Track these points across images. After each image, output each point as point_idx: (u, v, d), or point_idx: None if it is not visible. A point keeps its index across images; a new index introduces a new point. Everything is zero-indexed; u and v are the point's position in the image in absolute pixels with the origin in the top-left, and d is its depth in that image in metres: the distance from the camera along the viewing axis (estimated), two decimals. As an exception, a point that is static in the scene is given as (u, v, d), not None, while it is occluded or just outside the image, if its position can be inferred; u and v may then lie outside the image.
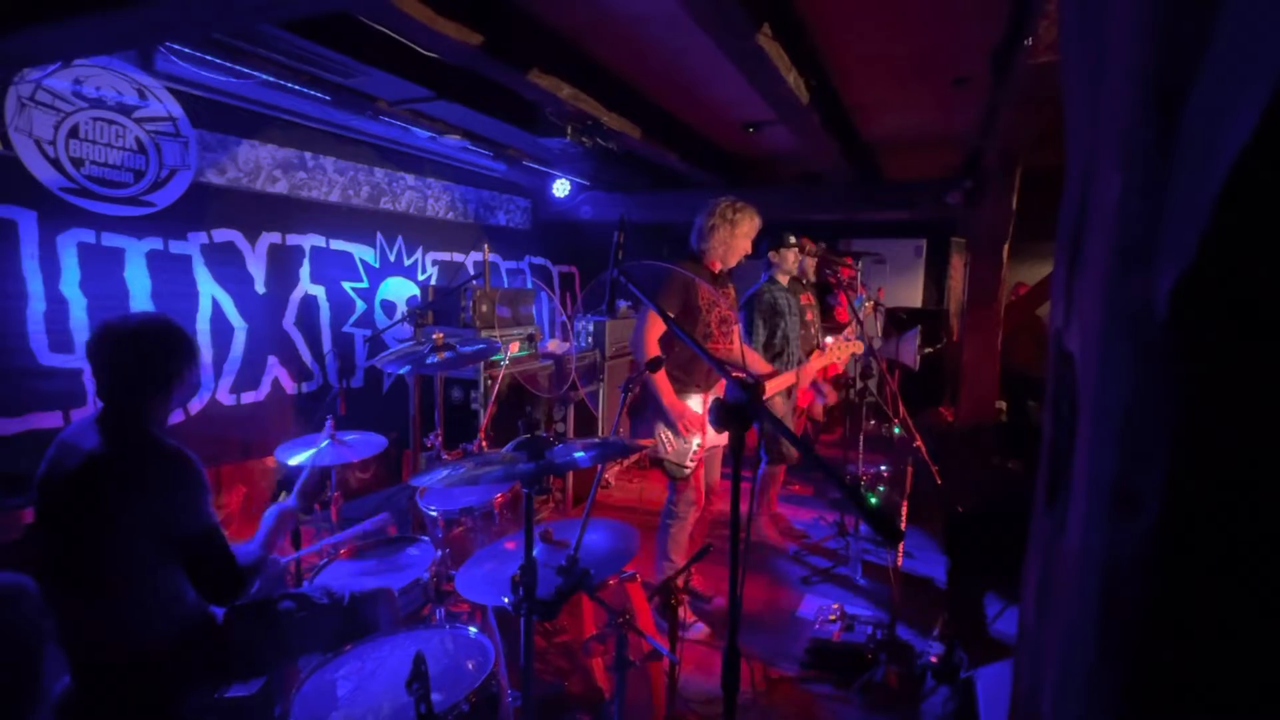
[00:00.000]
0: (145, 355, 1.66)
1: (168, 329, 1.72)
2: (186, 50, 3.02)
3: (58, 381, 3.12)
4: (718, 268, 2.96)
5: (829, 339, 3.16)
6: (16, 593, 2.04)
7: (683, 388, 2.81)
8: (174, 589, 1.71)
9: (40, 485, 1.66)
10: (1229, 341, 0.63)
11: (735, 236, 2.89)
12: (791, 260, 3.78)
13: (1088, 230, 0.83)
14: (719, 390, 2.87)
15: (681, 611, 2.93)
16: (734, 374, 1.17)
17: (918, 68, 3.33)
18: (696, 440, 2.81)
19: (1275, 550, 0.65)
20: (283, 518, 1.98)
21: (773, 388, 3.05)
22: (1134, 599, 0.71)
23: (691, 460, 2.84)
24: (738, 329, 2.96)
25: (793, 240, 3.79)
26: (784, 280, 3.84)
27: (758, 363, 3.15)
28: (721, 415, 1.10)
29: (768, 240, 3.82)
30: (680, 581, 1.77)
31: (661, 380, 2.70)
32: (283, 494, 2.14)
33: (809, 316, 4.02)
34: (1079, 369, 0.83)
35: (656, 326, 2.68)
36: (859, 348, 3.19)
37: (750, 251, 3.00)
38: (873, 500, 4.41)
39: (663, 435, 2.82)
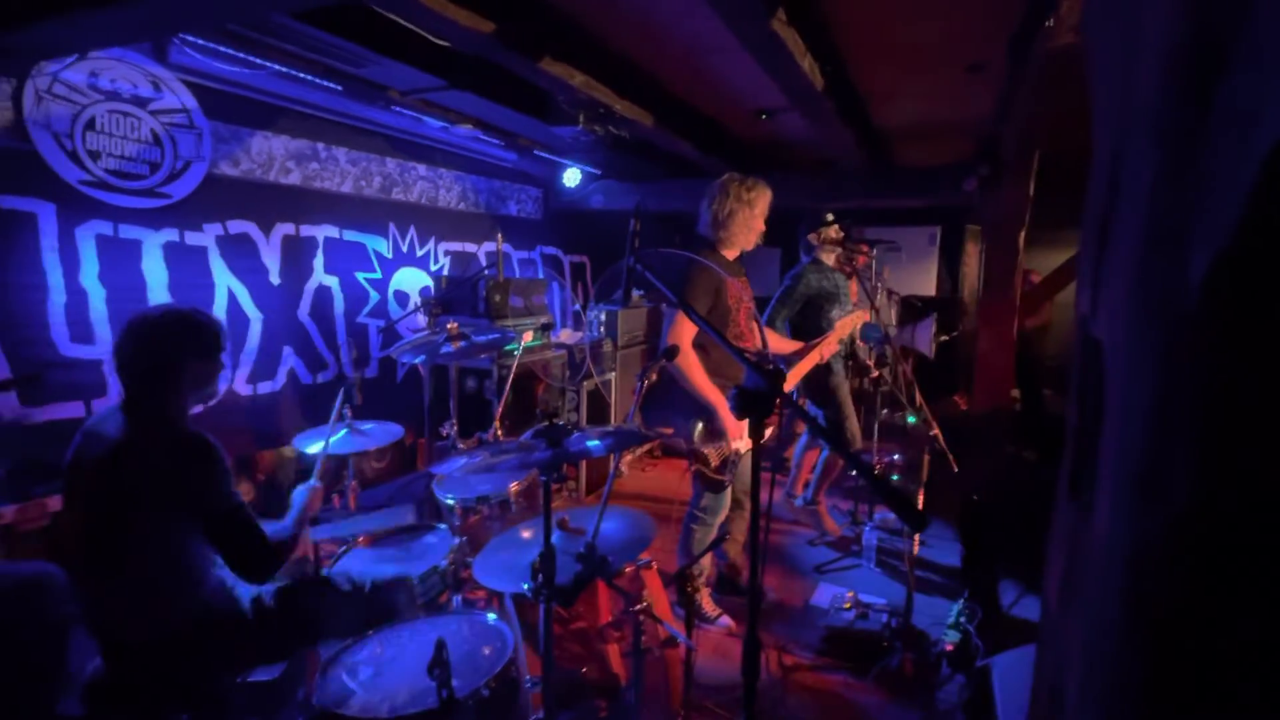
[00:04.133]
0: (149, 345, 1.71)
1: (174, 320, 1.74)
2: (200, 42, 3.03)
3: (79, 372, 3.17)
4: (734, 255, 2.78)
5: (834, 314, 3.11)
6: (45, 581, 2.09)
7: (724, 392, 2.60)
8: (198, 572, 1.74)
9: (68, 471, 1.70)
10: (1265, 328, 0.61)
11: (754, 218, 2.67)
12: (833, 236, 3.69)
13: (1117, 214, 0.82)
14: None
15: (706, 604, 2.95)
16: (758, 362, 1.16)
17: (933, 53, 3.28)
18: (739, 447, 2.67)
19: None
20: (312, 496, 2.02)
21: (799, 371, 2.94)
22: (1162, 591, 0.71)
23: (733, 471, 2.71)
24: (756, 321, 2.84)
25: (830, 218, 3.73)
26: (829, 260, 3.77)
27: (781, 345, 3.06)
28: (742, 403, 1.10)
29: (805, 223, 3.79)
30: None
31: (696, 372, 2.52)
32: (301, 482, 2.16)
33: (854, 301, 3.92)
34: (1107, 356, 0.82)
35: (688, 327, 2.52)
36: (864, 316, 3.15)
37: (764, 230, 2.78)
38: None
39: (708, 449, 2.65)
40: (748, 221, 2.67)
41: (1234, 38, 0.62)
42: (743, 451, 2.69)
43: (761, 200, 2.68)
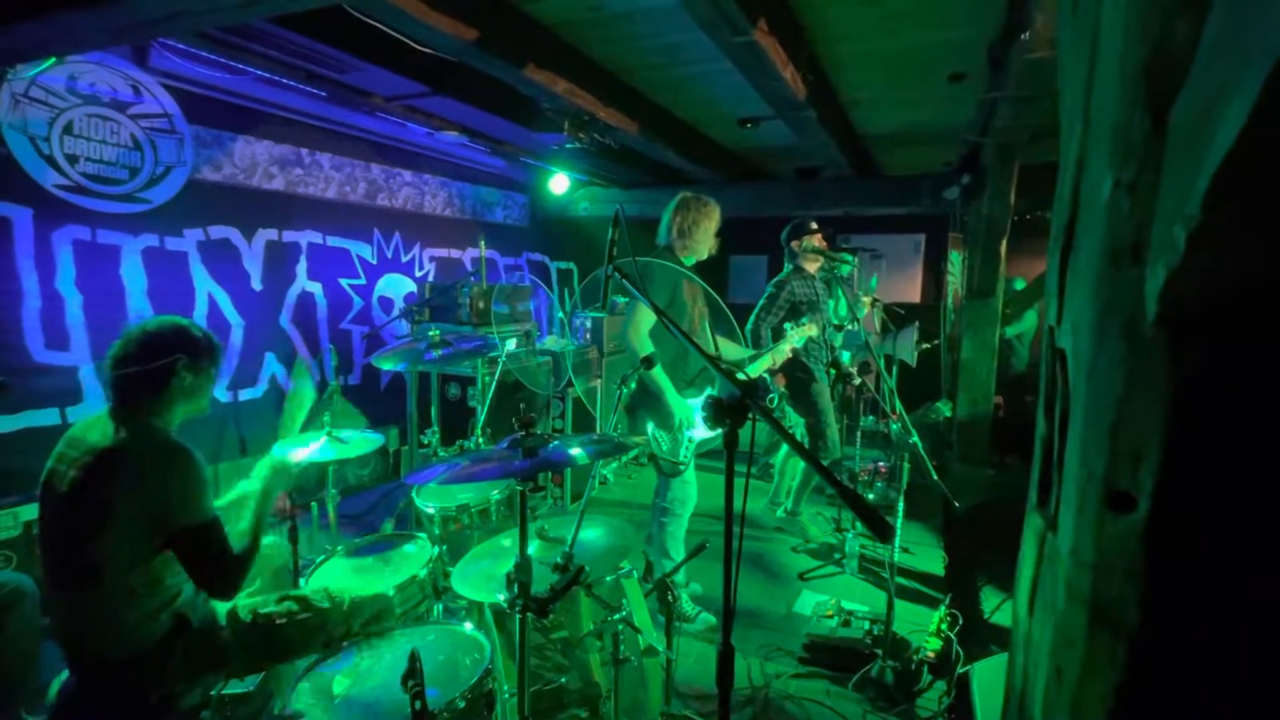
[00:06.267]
0: (144, 354, 1.70)
1: (170, 331, 1.75)
2: (181, 46, 3.01)
3: (53, 379, 3.12)
4: (688, 260, 2.97)
5: (787, 325, 3.17)
6: (15, 593, 2.05)
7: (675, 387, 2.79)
8: (173, 585, 1.71)
9: (46, 479, 1.67)
10: (1220, 339, 0.62)
11: (710, 230, 2.95)
12: (817, 244, 3.73)
13: (1078, 227, 0.83)
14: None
15: (686, 603, 2.95)
16: (726, 368, 1.16)
17: (915, 63, 3.31)
18: (689, 435, 2.79)
19: (1267, 548, 0.65)
20: (275, 474, 1.92)
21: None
22: (1124, 597, 0.72)
23: (685, 455, 2.83)
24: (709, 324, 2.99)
25: (814, 226, 3.76)
26: (811, 269, 3.79)
27: (730, 349, 3.14)
28: (717, 412, 1.10)
29: (789, 229, 3.81)
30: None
31: (664, 378, 2.70)
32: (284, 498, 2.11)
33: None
34: (1070, 366, 0.83)
35: (646, 319, 2.68)
36: (814, 329, 3.22)
37: (718, 242, 3.04)
38: (870, 496, 4.42)
39: (654, 433, 2.80)
40: (707, 231, 2.96)
41: (1188, 57, 0.63)
42: (697, 438, 2.83)
43: (716, 213, 3.00)
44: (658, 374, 2.67)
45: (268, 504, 1.88)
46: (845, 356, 4.54)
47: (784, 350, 3.08)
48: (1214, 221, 0.57)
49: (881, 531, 0.88)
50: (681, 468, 2.83)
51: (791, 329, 3.09)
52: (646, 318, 2.67)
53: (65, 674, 1.71)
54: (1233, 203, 0.55)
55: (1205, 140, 0.56)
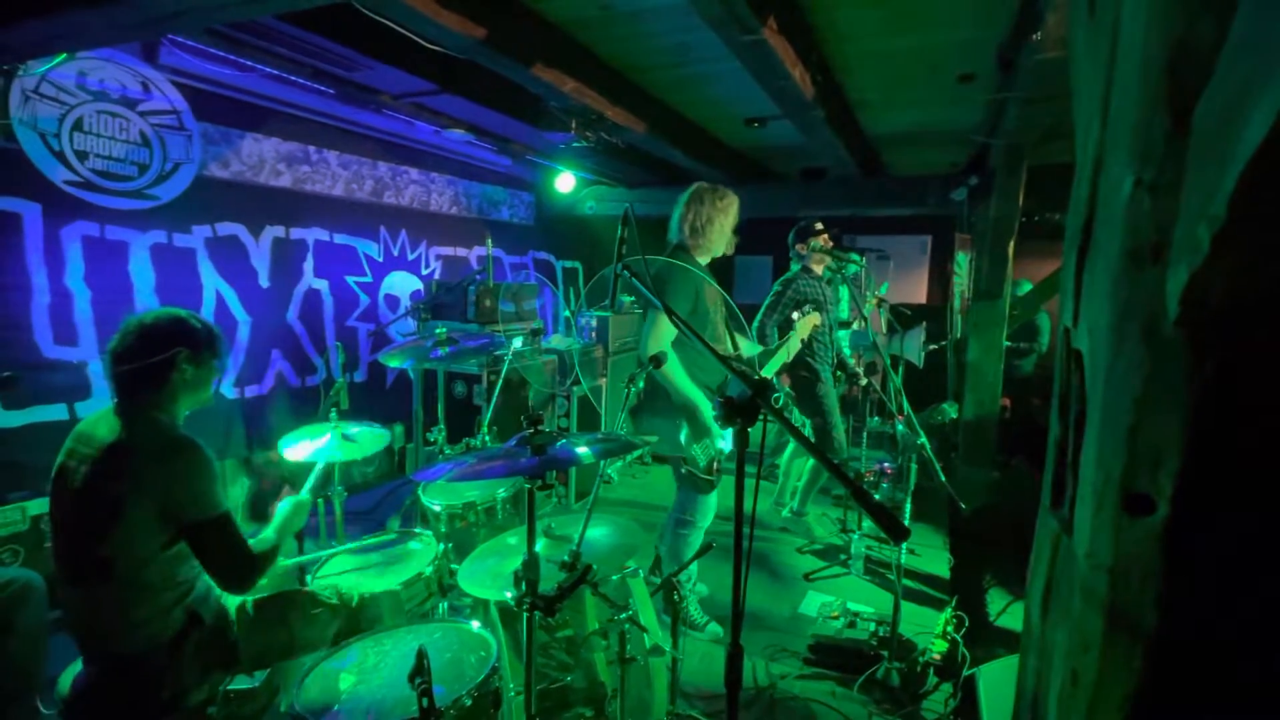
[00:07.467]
0: (144, 347, 1.70)
1: (170, 323, 1.75)
2: (190, 43, 3.01)
3: (62, 374, 3.13)
4: (705, 260, 2.80)
5: (794, 314, 3.15)
6: (23, 587, 2.06)
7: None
8: (183, 580, 1.72)
9: (57, 474, 1.68)
10: (1242, 340, 0.62)
11: (728, 225, 2.75)
12: (822, 245, 3.72)
13: (1096, 227, 0.83)
14: None
15: (695, 612, 2.94)
16: (740, 368, 1.16)
17: (923, 64, 3.30)
18: (723, 446, 2.67)
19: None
20: (296, 509, 1.99)
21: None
22: (1142, 600, 0.71)
23: (718, 469, 2.72)
24: (729, 325, 2.87)
25: (819, 227, 3.75)
26: (817, 269, 3.79)
27: (747, 345, 3.10)
28: (728, 412, 1.09)
29: (795, 233, 3.81)
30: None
31: (677, 373, 2.52)
32: (287, 487, 2.15)
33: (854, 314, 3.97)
34: (1087, 368, 0.83)
35: (668, 330, 2.50)
36: (818, 317, 3.20)
37: (737, 239, 2.86)
38: (877, 498, 4.40)
39: (689, 446, 2.63)
40: (723, 228, 2.74)
41: (1213, 55, 0.62)
42: (727, 451, 2.71)
43: (733, 208, 2.77)
44: (688, 388, 2.51)
45: (289, 525, 1.95)
46: (848, 354, 4.53)
47: (795, 342, 3.02)
48: (1240, 222, 0.56)
49: (896, 532, 0.87)
50: (714, 481, 2.72)
51: (797, 317, 3.08)
52: (669, 330, 2.48)
53: (77, 666, 1.71)
54: (1260, 203, 0.54)
55: (1231, 140, 0.55)
